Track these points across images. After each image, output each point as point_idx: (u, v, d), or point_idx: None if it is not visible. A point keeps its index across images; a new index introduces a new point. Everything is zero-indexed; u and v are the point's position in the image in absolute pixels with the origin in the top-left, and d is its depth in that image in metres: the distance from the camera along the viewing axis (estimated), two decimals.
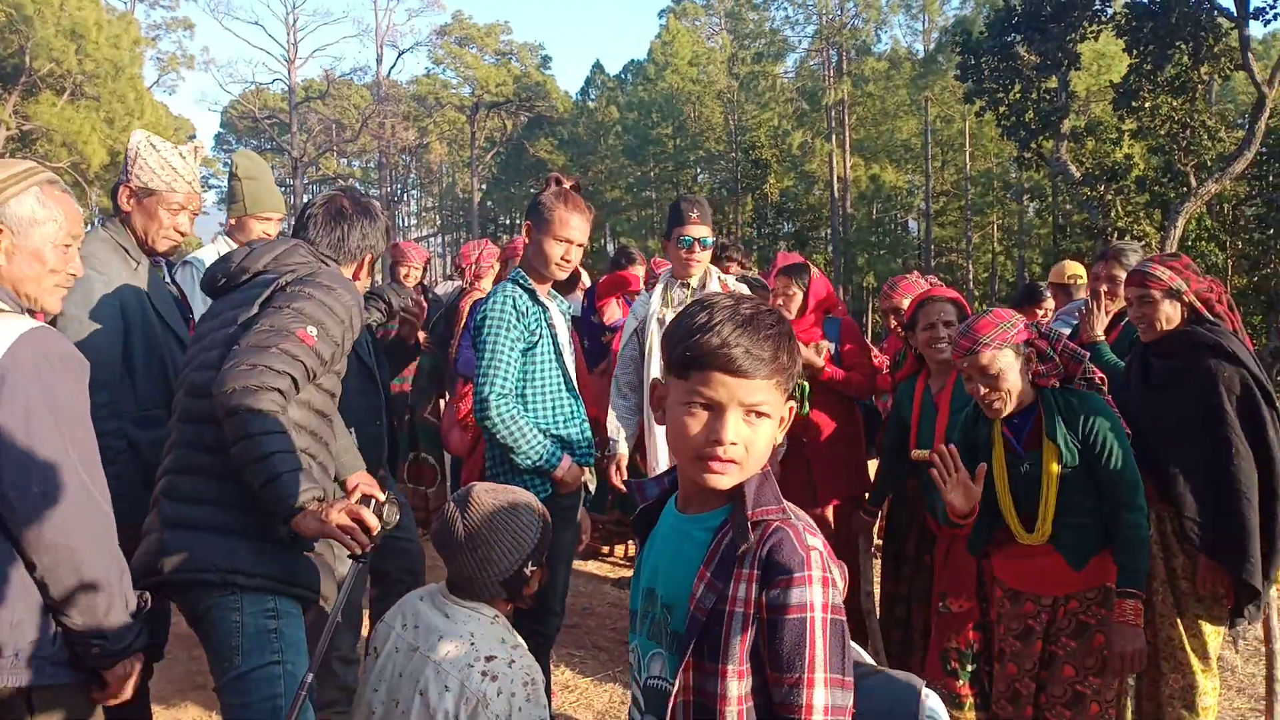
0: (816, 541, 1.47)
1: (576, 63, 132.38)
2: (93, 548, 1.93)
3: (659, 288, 4.22)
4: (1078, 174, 21.46)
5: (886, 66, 40.29)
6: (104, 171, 29.20)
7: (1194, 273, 3.48)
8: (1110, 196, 20.74)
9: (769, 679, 1.45)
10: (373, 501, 2.35)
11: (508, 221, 52.23)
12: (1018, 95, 21.80)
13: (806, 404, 4.36)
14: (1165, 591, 3.50)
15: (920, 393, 3.97)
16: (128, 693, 2.06)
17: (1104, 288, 4.07)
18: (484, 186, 51.22)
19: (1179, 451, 3.39)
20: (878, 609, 4.26)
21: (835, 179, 38.70)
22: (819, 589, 1.43)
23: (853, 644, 2.20)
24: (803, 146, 39.61)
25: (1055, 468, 3.01)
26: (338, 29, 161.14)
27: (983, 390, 3.04)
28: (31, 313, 2.10)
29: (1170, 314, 3.46)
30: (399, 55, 53.77)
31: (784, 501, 1.51)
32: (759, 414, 1.48)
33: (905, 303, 4.41)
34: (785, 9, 42.59)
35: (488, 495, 2.45)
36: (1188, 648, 3.47)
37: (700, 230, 4.03)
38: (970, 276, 36.98)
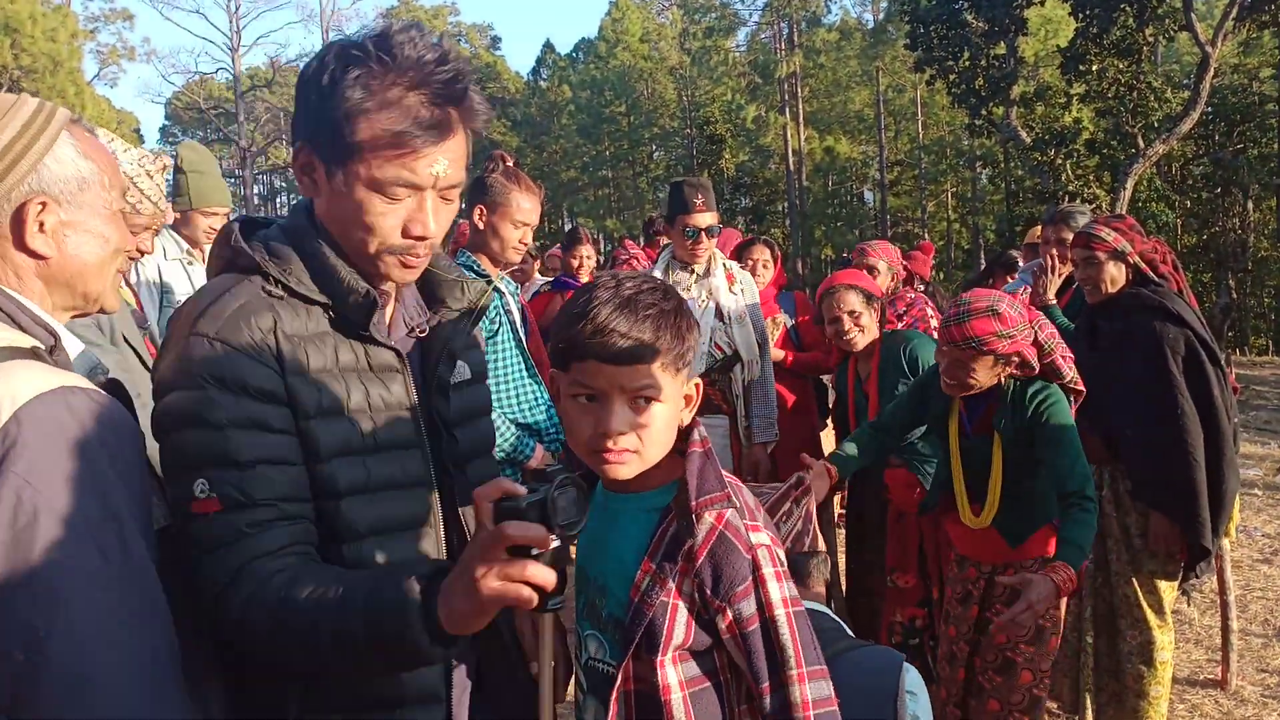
0: (763, 536, 1.44)
1: (527, 43, 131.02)
2: None
3: (659, 269, 4.11)
4: (1028, 139, 21.63)
5: (837, 37, 40.32)
6: None
7: (1138, 234, 3.51)
8: (1060, 160, 20.93)
9: (752, 690, 1.43)
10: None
11: (462, 205, 51.72)
12: (967, 63, 21.90)
13: None
14: (1120, 550, 3.55)
15: (851, 378, 3.99)
16: None
17: (1053, 251, 4.09)
18: None
19: (1127, 413, 3.43)
20: (844, 580, 4.28)
21: (790, 152, 38.73)
22: (774, 585, 1.41)
23: (830, 614, 2.21)
24: (757, 120, 39.57)
25: (999, 456, 3.00)
26: (281, 15, 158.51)
27: (949, 377, 2.99)
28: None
29: (1115, 275, 3.48)
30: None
31: (727, 484, 1.46)
32: (648, 399, 1.41)
33: (881, 264, 4.42)
34: None
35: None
36: (1144, 604, 3.52)
37: (706, 219, 3.91)
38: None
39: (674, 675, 1.42)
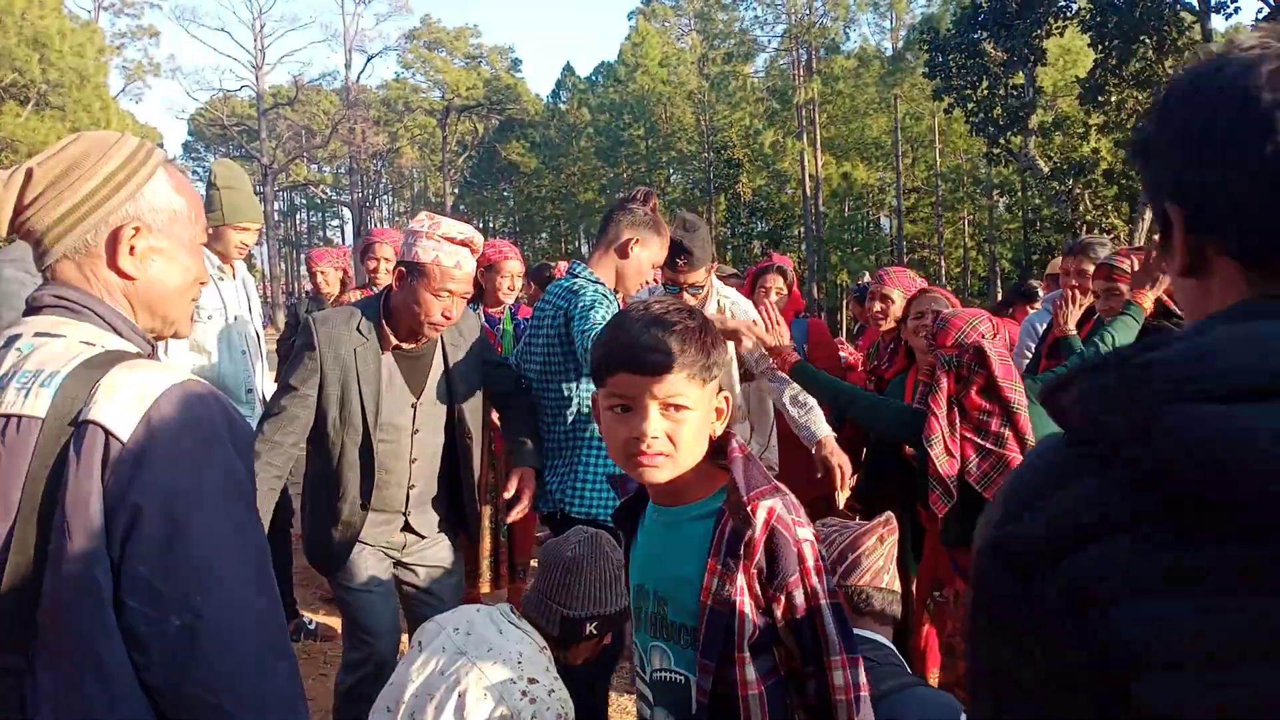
0: (806, 533, 1.56)
1: (547, 65, 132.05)
2: (250, 707, 1.34)
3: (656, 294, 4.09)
4: (1046, 169, 21.69)
5: (855, 64, 40.46)
6: None
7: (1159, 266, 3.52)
8: (1078, 190, 20.98)
9: (796, 671, 1.56)
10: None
11: (481, 225, 52.02)
12: (985, 92, 22.04)
13: None
14: None
15: (911, 387, 4.00)
16: None
17: (1074, 282, 4.10)
18: (456, 190, 51.04)
19: None
20: None
21: (807, 177, 38.83)
22: (816, 579, 1.53)
23: (894, 649, 2.22)
24: (774, 145, 39.70)
25: None
26: (305, 34, 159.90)
27: None
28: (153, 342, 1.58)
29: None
30: (368, 60, 53.42)
31: (773, 480, 1.58)
32: (677, 407, 1.54)
33: (896, 293, 4.44)
34: (754, 9, 42.68)
35: (612, 548, 2.47)
36: None
37: (691, 277, 3.75)
38: (942, 272, 37.18)
39: (752, 672, 1.52)
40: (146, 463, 1.30)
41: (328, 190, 55.06)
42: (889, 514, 2.44)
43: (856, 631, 2.19)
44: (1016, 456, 3.02)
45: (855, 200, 40.64)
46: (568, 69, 51.15)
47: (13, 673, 1.30)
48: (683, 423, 1.55)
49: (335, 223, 66.77)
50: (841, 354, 5.21)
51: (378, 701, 2.45)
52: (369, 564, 3.04)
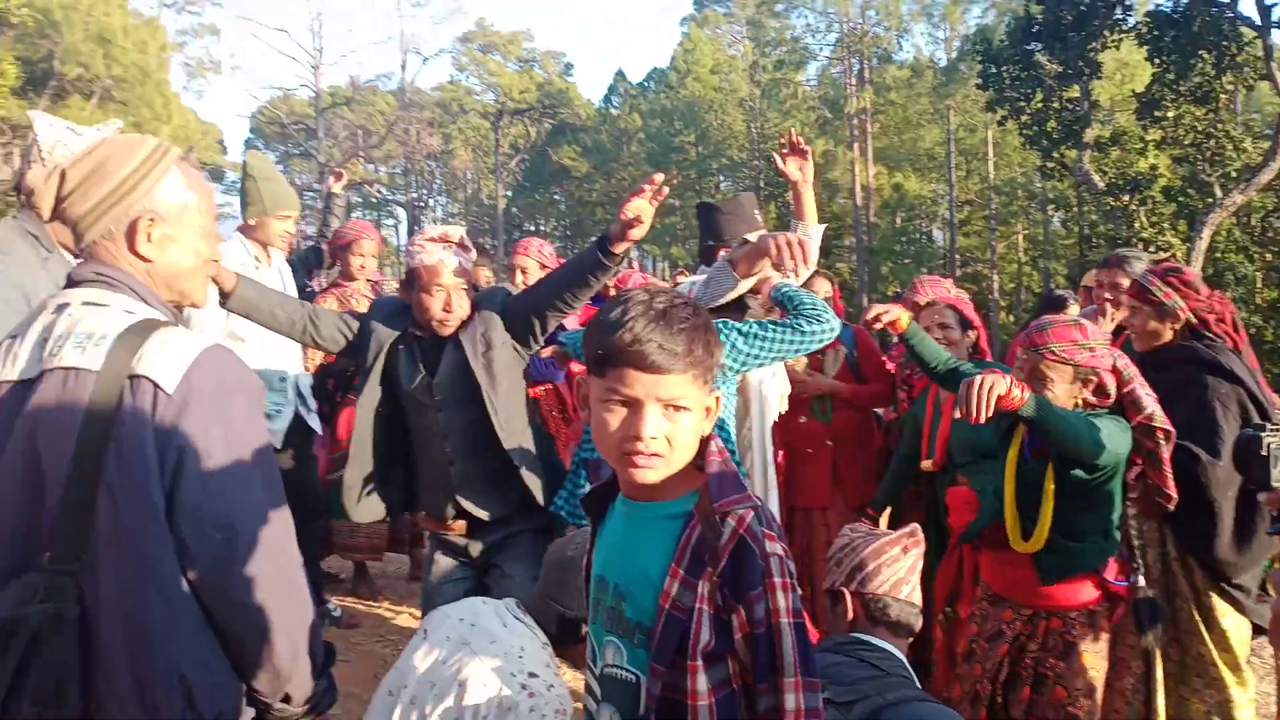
0: (776, 547, 1.50)
1: (599, 70, 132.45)
2: (281, 605, 1.71)
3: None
4: (1101, 184, 21.30)
5: (908, 74, 40.13)
6: None
7: (1194, 289, 3.43)
8: (1134, 206, 20.55)
9: (750, 688, 1.50)
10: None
11: (532, 228, 52.28)
12: (1039, 104, 21.71)
13: (829, 410, 4.37)
14: (1189, 608, 3.46)
15: (931, 402, 3.97)
16: None
17: (1107, 296, 4.02)
18: (509, 193, 51.35)
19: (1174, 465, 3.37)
20: None
21: (859, 187, 38.54)
22: (781, 595, 1.47)
23: (904, 661, 2.21)
24: (825, 155, 39.46)
25: (1052, 485, 2.97)
26: (362, 36, 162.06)
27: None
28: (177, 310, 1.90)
29: (1158, 329, 3.43)
30: (423, 62, 54.03)
31: (748, 489, 1.53)
32: (677, 408, 1.49)
33: (923, 300, 4.41)
34: (806, 17, 42.52)
35: None
36: (1219, 662, 3.42)
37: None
38: (995, 286, 36.71)
39: (704, 683, 1.47)
40: (188, 411, 1.64)
41: (383, 190, 55.65)
42: (915, 526, 2.42)
43: (868, 638, 2.19)
44: None
45: (907, 212, 40.26)
46: (619, 74, 51.28)
47: (69, 574, 1.61)
48: (681, 424, 1.50)
49: (390, 222, 67.48)
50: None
51: (381, 686, 2.49)
52: (443, 565, 3.34)
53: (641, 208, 2.77)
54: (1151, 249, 18.66)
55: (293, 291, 4.61)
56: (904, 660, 2.19)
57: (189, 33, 44.23)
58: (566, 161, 46.75)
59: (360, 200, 57.92)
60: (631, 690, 1.53)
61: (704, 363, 1.51)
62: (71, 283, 1.78)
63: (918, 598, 2.29)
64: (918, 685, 2.15)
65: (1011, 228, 39.00)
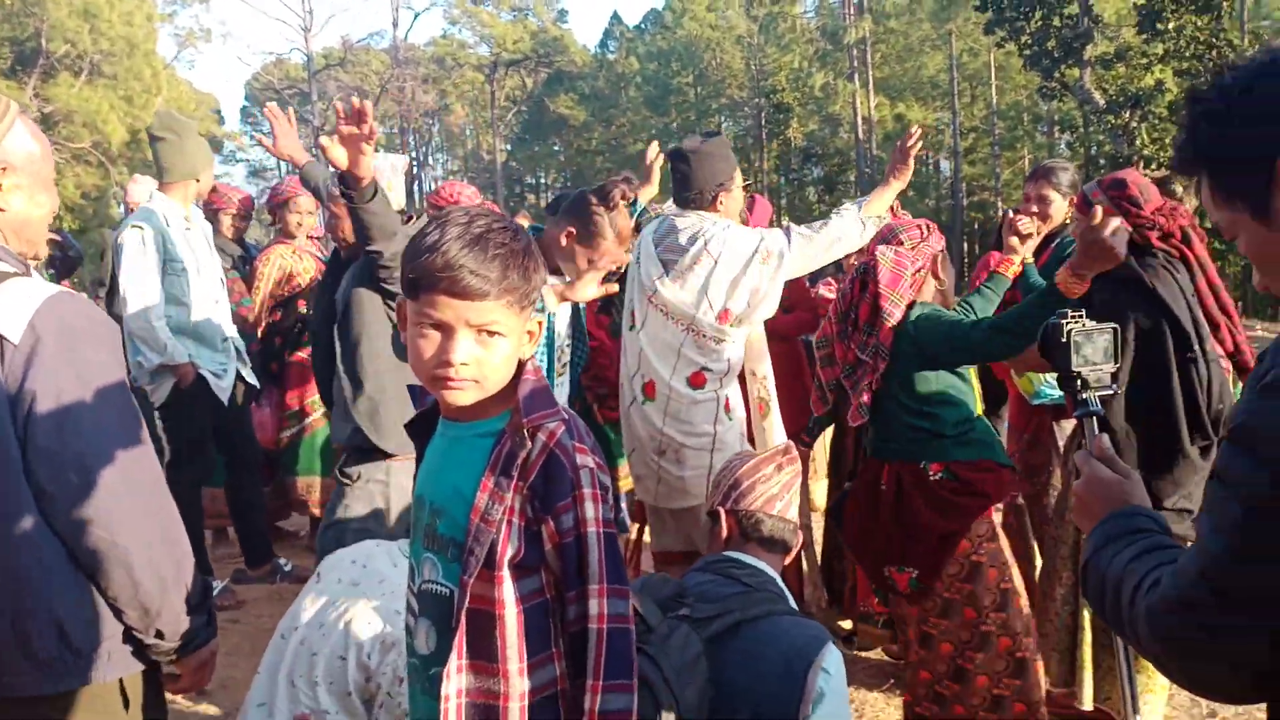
0: (587, 460, 1.53)
1: (594, 15, 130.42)
2: (143, 542, 1.73)
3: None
4: (1101, 102, 20.92)
5: (908, 0, 39.37)
6: (125, 149, 29.50)
7: (1135, 204, 3.15)
8: (1135, 124, 20.17)
9: (562, 596, 1.54)
10: None
11: (533, 181, 52.12)
12: (1039, 23, 21.28)
13: None
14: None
15: None
16: (205, 681, 1.95)
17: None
18: (507, 146, 51.06)
19: None
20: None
21: (860, 120, 38.02)
22: (590, 505, 1.50)
23: (777, 579, 2.17)
24: (825, 88, 38.90)
25: None
26: None
27: None
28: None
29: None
30: (415, 17, 53.46)
31: (559, 405, 1.56)
32: (491, 333, 1.49)
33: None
34: None
35: None
36: None
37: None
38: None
39: (510, 591, 1.51)
40: (36, 358, 1.66)
41: (381, 150, 55.54)
42: (789, 443, 2.42)
43: (739, 556, 2.17)
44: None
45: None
46: (615, 18, 50.66)
47: None
48: (494, 349, 1.50)
49: None
50: None
51: (279, 626, 2.52)
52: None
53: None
54: (1153, 166, 18.32)
55: (215, 255, 4.65)
56: (775, 577, 2.18)
57: (178, 3, 43.91)
58: (564, 111, 46.36)
59: None
60: (446, 604, 1.55)
61: (519, 289, 1.49)
62: None
63: (793, 514, 2.27)
64: (789, 601, 2.13)
65: (1017, 153, 38.46)
